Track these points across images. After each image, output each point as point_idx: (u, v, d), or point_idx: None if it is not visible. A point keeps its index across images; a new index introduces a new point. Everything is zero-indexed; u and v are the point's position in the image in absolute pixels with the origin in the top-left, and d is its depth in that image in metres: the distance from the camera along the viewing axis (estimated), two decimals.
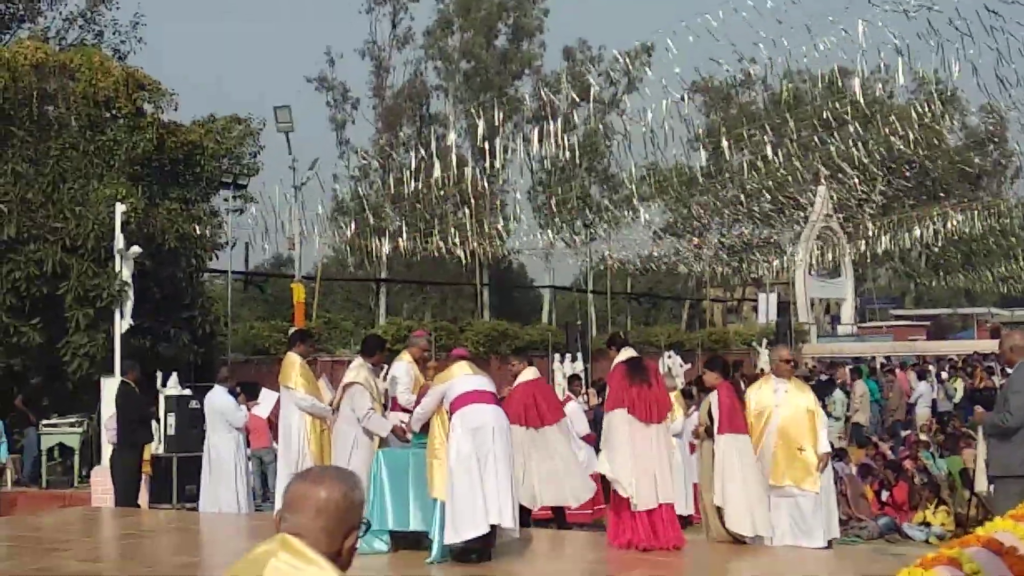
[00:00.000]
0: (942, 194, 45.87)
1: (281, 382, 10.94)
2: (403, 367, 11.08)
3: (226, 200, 23.90)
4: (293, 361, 10.86)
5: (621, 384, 9.58)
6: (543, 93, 34.77)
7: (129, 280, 17.04)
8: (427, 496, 9.14)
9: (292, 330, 15.18)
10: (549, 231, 43.06)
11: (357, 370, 10.20)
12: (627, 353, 10.06)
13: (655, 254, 44.03)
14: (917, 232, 40.12)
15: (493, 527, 8.72)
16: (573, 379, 17.61)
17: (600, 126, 32.17)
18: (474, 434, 8.82)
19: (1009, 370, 9.23)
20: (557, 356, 26.93)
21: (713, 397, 10.07)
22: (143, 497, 14.06)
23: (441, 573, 8.84)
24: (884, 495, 13.83)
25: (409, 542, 9.47)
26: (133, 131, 20.29)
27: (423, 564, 9.02)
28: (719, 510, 9.76)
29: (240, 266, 31.80)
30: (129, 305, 16.86)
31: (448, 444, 8.92)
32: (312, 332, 15.04)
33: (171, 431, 14.52)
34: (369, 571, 8.78)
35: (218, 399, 13.07)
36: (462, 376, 9.11)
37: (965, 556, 3.49)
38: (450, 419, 9.01)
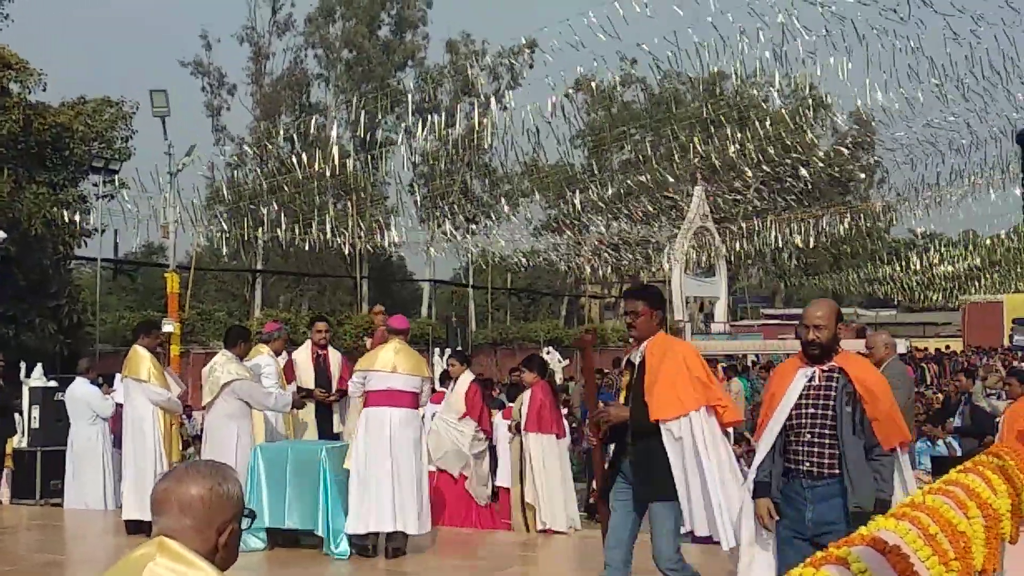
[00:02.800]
0: (813, 198, 47.34)
1: (129, 375, 10.38)
2: (265, 360, 10.75)
3: (96, 185, 23.12)
4: (143, 354, 10.37)
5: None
6: (425, 86, 34.50)
7: None
8: (305, 493, 8.99)
9: (140, 320, 14.60)
10: (430, 224, 42.92)
11: (229, 363, 9.83)
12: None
13: (535, 249, 44.30)
14: (788, 234, 41.26)
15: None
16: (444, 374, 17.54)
17: (483, 120, 32.15)
18: (374, 439, 8.83)
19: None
20: (437, 350, 26.84)
21: (526, 395, 10.50)
22: (4, 492, 13.47)
23: (324, 567, 8.69)
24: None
25: (286, 539, 9.28)
26: None
27: (299, 561, 8.85)
28: (529, 504, 10.42)
29: (110, 254, 30.85)
30: None
31: (354, 439, 9.01)
32: (158, 323, 14.51)
33: (35, 424, 13.93)
34: (245, 570, 8.57)
35: (82, 389, 12.60)
36: (383, 372, 8.95)
37: (852, 555, 3.55)
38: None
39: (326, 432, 10.91)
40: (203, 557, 2.46)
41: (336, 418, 11.18)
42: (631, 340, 6.24)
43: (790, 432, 5.41)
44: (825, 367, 5.42)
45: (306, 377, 10.93)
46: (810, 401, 5.39)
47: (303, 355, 11.09)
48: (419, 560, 9.06)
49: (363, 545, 8.91)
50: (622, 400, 6.16)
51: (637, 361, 6.09)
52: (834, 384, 5.37)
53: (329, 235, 32.68)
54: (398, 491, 8.80)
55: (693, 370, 5.98)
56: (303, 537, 9.20)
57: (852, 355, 5.56)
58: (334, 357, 11.28)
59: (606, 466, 6.30)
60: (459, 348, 14.02)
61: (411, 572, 8.80)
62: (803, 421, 5.37)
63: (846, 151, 43.07)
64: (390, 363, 9.03)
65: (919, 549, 4.14)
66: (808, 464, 5.35)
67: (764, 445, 5.46)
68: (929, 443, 12.91)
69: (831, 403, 5.34)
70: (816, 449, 5.34)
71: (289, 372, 10.84)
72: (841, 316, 5.51)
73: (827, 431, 5.32)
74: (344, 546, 8.95)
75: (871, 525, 4.26)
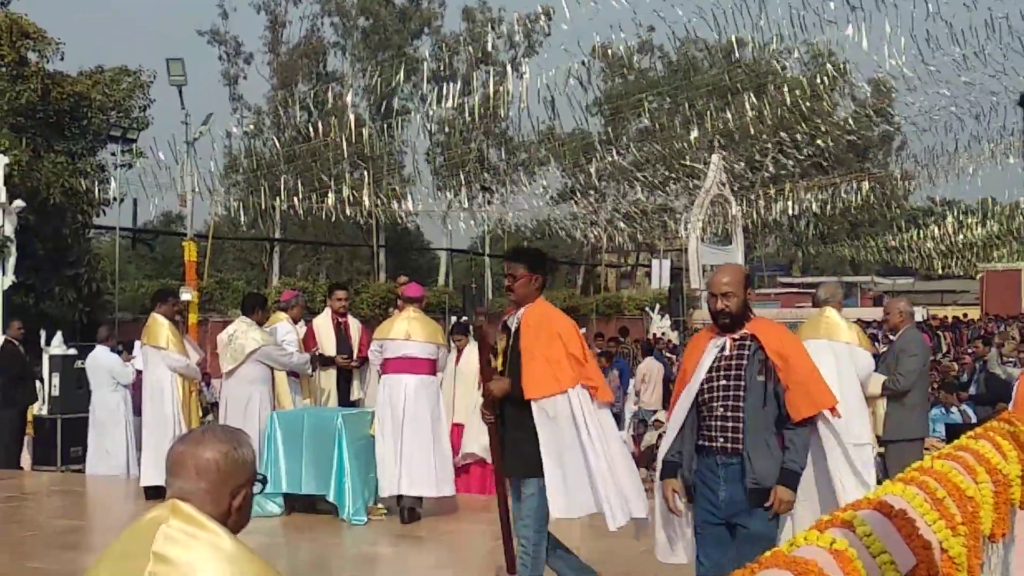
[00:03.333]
0: (830, 165, 47.09)
1: (148, 343, 10.46)
2: (285, 327, 10.88)
3: (114, 155, 23.22)
4: (161, 321, 10.44)
5: None
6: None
7: (11, 235, 16.45)
8: (321, 459, 9.09)
9: (156, 289, 14.70)
10: (447, 193, 42.91)
11: (251, 330, 9.93)
12: None
13: (551, 218, 44.26)
14: (806, 202, 41.10)
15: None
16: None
17: (499, 89, 32.10)
18: (391, 405, 9.06)
19: (892, 336, 9.45)
20: (453, 318, 26.94)
21: None
22: (25, 459, 13.65)
23: (339, 532, 8.80)
24: None
25: (303, 504, 9.40)
26: (16, 80, 19.57)
27: (315, 527, 8.97)
28: None
29: (129, 223, 30.96)
30: (11, 261, 16.29)
31: (377, 406, 9.26)
32: (175, 291, 14.61)
33: (55, 391, 14.10)
34: (262, 534, 8.69)
35: (103, 357, 12.74)
36: (395, 340, 9.13)
37: (858, 519, 3.59)
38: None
39: (345, 399, 10.99)
40: (216, 520, 2.48)
41: (356, 384, 11.26)
42: (510, 303, 5.97)
43: (702, 407, 5.04)
44: (737, 336, 5.03)
45: (327, 344, 10.98)
46: (721, 373, 5.01)
47: (323, 322, 11.11)
48: (432, 524, 9.17)
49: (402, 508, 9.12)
50: (499, 366, 5.89)
51: (513, 328, 5.85)
52: (746, 353, 4.99)
53: (346, 204, 32.72)
54: (409, 456, 8.98)
55: (569, 346, 5.72)
56: (319, 502, 9.31)
57: (765, 321, 5.18)
58: (354, 324, 11.34)
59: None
60: (462, 320, 14.08)
61: (425, 536, 8.91)
62: (715, 394, 5.00)
63: (866, 116, 42.66)
64: (404, 331, 9.17)
65: (926, 513, 4.17)
66: (722, 440, 4.97)
67: (674, 422, 5.13)
68: (944, 410, 12.91)
69: (743, 373, 4.96)
70: (730, 424, 4.95)
71: (310, 339, 10.90)
72: (750, 282, 5.13)
73: (740, 403, 4.95)
74: (361, 512, 9.05)
75: (877, 490, 4.30)
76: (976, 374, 18.42)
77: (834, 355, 8.30)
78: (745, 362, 4.97)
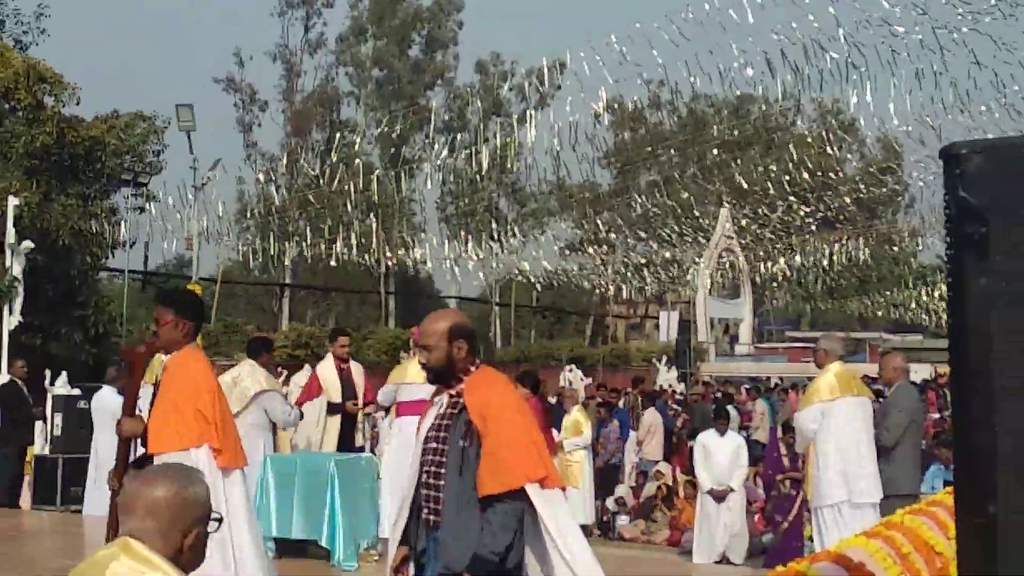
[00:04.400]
0: (840, 221, 47.21)
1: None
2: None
3: (126, 198, 23.51)
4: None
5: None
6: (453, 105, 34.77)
7: (20, 276, 16.64)
8: (313, 504, 9.14)
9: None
10: (456, 242, 43.12)
11: (255, 373, 9.95)
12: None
13: (560, 269, 44.41)
14: (814, 257, 41.15)
15: None
16: None
17: (509, 140, 32.41)
18: (405, 448, 9.01)
19: (886, 391, 9.51)
20: None
21: None
22: (25, 498, 13.69)
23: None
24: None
25: (294, 550, 9.42)
26: (32, 124, 19.89)
27: (305, 572, 8.99)
28: None
29: (140, 266, 31.23)
30: (19, 301, 16.47)
31: (387, 448, 9.51)
32: None
33: (57, 431, 14.16)
34: None
35: (108, 398, 12.79)
36: (411, 384, 9.32)
37: (813, 571, 3.63)
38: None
39: (350, 446, 11.00)
40: (167, 559, 2.50)
41: (360, 432, 11.32)
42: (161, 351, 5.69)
43: (421, 472, 4.42)
44: (453, 392, 4.41)
45: (332, 390, 10.99)
46: (432, 434, 4.40)
47: (327, 368, 11.11)
48: None
49: None
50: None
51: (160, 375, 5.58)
52: (455, 412, 4.35)
53: (355, 251, 32.92)
54: None
55: (198, 402, 5.36)
56: (310, 547, 9.33)
57: (483, 375, 4.44)
58: (356, 369, 11.39)
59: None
60: None
61: None
62: (425, 458, 4.39)
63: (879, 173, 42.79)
64: (420, 375, 9.25)
65: (888, 568, 4.22)
66: (427, 511, 4.33)
67: (408, 486, 4.57)
68: (943, 468, 12.88)
69: (448, 436, 4.32)
70: (432, 494, 4.31)
71: (315, 386, 10.91)
72: (463, 333, 4.41)
73: (441, 471, 4.31)
74: (352, 558, 9.07)
75: (840, 543, 4.35)
76: None
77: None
78: (450, 423, 4.35)
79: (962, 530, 2.26)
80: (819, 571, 3.68)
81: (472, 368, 4.42)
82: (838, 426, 8.38)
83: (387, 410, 10.77)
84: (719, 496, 10.96)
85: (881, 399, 9.87)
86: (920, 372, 29.62)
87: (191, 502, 2.59)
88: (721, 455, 11.12)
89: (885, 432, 8.56)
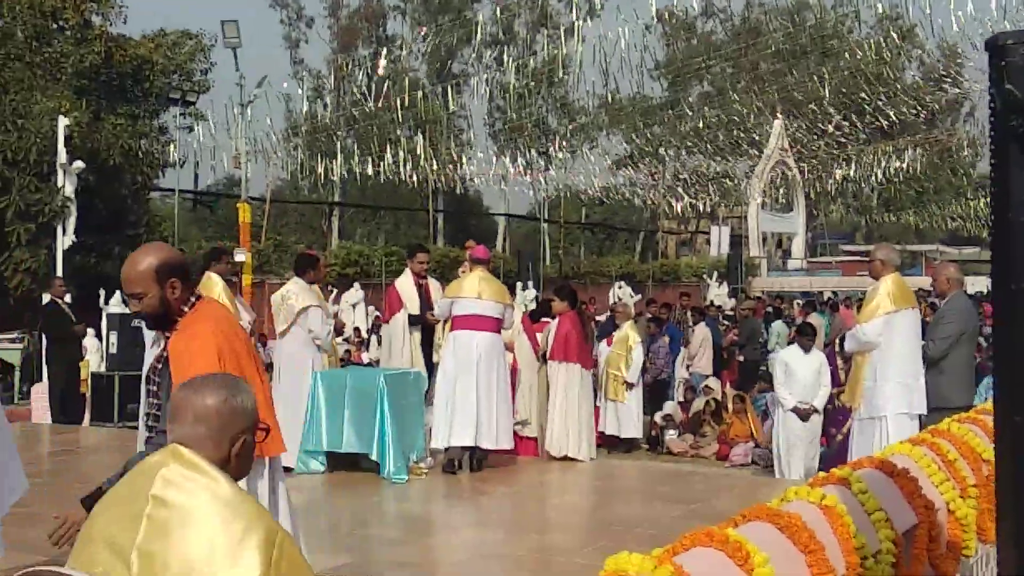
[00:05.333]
0: (898, 132, 46.21)
1: None
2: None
3: (175, 117, 23.57)
4: (215, 279, 10.44)
5: None
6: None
7: (72, 196, 16.82)
8: (363, 419, 9.25)
9: (209, 248, 14.76)
10: (505, 158, 42.89)
11: (303, 291, 10.02)
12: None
13: (610, 184, 44.07)
14: (871, 169, 40.41)
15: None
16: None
17: (557, 52, 31.96)
18: (458, 359, 9.57)
19: (939, 302, 9.37)
20: (509, 284, 27.03)
21: (554, 324, 10.63)
22: (85, 417, 14.00)
23: (380, 490, 8.95)
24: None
25: (346, 463, 9.55)
26: (80, 43, 19.90)
27: (356, 484, 9.13)
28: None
29: (191, 185, 31.44)
30: (72, 221, 16.66)
31: (442, 360, 9.81)
32: (228, 249, 14.70)
33: (113, 349, 14.44)
34: (305, 490, 8.87)
35: None
36: (466, 299, 9.68)
37: (854, 476, 3.60)
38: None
39: (428, 360, 11.08)
40: (215, 465, 2.50)
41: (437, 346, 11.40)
42: None
43: (148, 417, 4.06)
44: (169, 334, 3.95)
45: (411, 304, 11.02)
46: (150, 377, 4.02)
47: (406, 283, 11.10)
48: (473, 484, 9.31)
49: (450, 460, 9.53)
50: None
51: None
52: (166, 359, 3.94)
53: (404, 168, 32.86)
54: (483, 409, 9.51)
55: None
56: (362, 460, 9.46)
57: (192, 316, 3.90)
58: (434, 285, 11.44)
59: None
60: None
61: (466, 495, 9.04)
62: (148, 401, 4.05)
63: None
64: (475, 290, 9.72)
65: (932, 474, 4.17)
66: None
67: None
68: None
69: (161, 383, 3.94)
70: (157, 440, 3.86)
71: (395, 300, 10.92)
72: (174, 270, 3.89)
73: (158, 413, 3.95)
74: (403, 471, 9.18)
75: (885, 450, 4.30)
76: None
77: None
78: (162, 367, 3.94)
79: (1001, 428, 2.20)
80: (860, 476, 3.64)
81: (186, 308, 3.90)
82: (898, 338, 8.29)
83: (444, 323, 10.84)
84: (804, 415, 10.80)
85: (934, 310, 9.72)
86: (977, 285, 29.16)
87: (239, 410, 2.62)
88: (804, 373, 10.93)
89: (931, 343, 8.46)
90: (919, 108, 43.07)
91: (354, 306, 25.47)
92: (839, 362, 12.17)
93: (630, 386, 13.56)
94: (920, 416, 8.33)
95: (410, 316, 10.87)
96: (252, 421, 2.66)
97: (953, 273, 9.09)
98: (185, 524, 2.39)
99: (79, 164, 16.64)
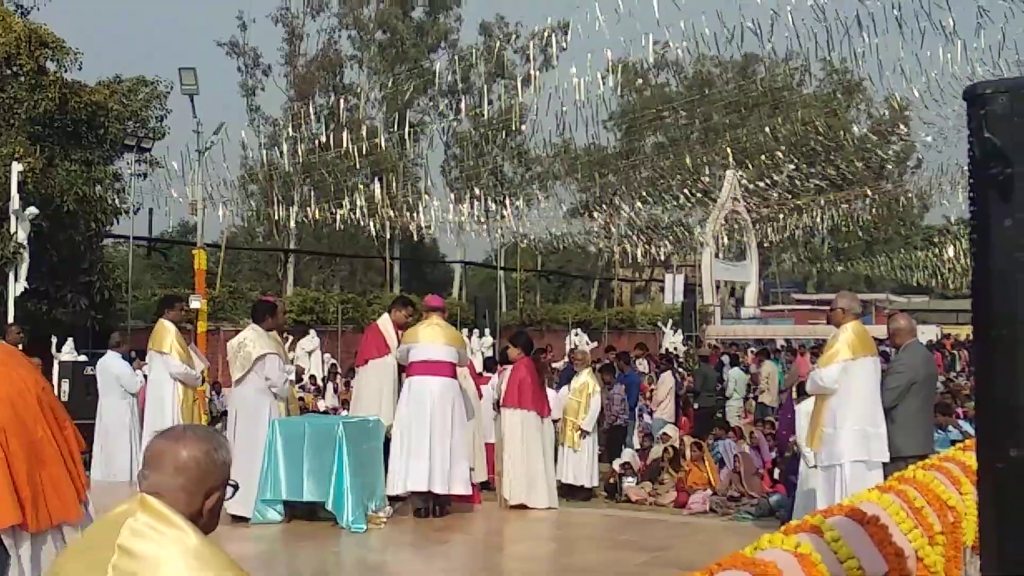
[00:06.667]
0: (847, 183, 46.95)
1: (153, 348, 10.63)
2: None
3: (130, 164, 23.40)
4: (167, 327, 10.55)
5: None
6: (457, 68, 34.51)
7: (24, 242, 16.60)
8: (322, 467, 9.15)
9: (162, 295, 14.61)
10: (462, 205, 43.02)
11: (260, 338, 9.93)
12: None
13: (566, 232, 44.30)
14: (820, 219, 40.99)
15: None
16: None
17: (513, 102, 32.23)
18: (414, 405, 9.69)
19: (894, 352, 9.45)
20: (465, 331, 26.99)
21: (508, 371, 10.67)
22: None
23: (339, 540, 8.84)
24: (776, 473, 14.11)
25: (303, 512, 9.43)
26: (34, 89, 19.75)
27: (315, 534, 9.01)
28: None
29: (145, 232, 31.16)
30: (24, 267, 16.42)
31: (398, 406, 9.89)
32: (183, 297, 14.56)
33: (64, 397, 14.18)
34: (263, 541, 8.74)
35: (113, 364, 12.80)
36: (422, 344, 9.84)
37: (826, 524, 3.61)
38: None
39: None
40: (186, 518, 2.47)
41: None
42: None
43: None
44: None
45: (393, 351, 10.87)
46: None
47: (390, 328, 10.81)
48: (430, 533, 9.22)
49: (416, 509, 9.64)
50: None
51: None
52: None
53: (359, 215, 32.81)
54: (436, 453, 9.58)
55: None
56: (320, 510, 9.34)
57: None
58: None
59: None
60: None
61: (423, 544, 8.95)
62: None
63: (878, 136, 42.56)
64: (430, 336, 9.88)
65: (901, 522, 4.18)
66: None
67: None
68: (941, 431, 12.80)
69: None
70: None
71: (379, 342, 10.66)
72: None
73: None
74: (361, 520, 9.08)
75: (853, 497, 4.32)
76: None
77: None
78: None
79: (983, 475, 2.22)
80: (832, 524, 3.64)
81: None
82: (858, 385, 8.35)
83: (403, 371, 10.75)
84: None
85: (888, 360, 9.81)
86: (927, 333, 29.61)
87: (219, 464, 2.60)
88: None
89: (883, 393, 8.52)
90: (867, 160, 43.90)
91: (310, 353, 25.34)
92: (797, 408, 12.20)
93: (584, 434, 13.53)
94: (884, 464, 8.37)
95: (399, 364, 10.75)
96: (226, 476, 2.63)
97: (903, 324, 9.16)
98: (152, 575, 2.36)
99: (32, 210, 16.45)
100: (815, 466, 10.23)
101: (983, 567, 2.22)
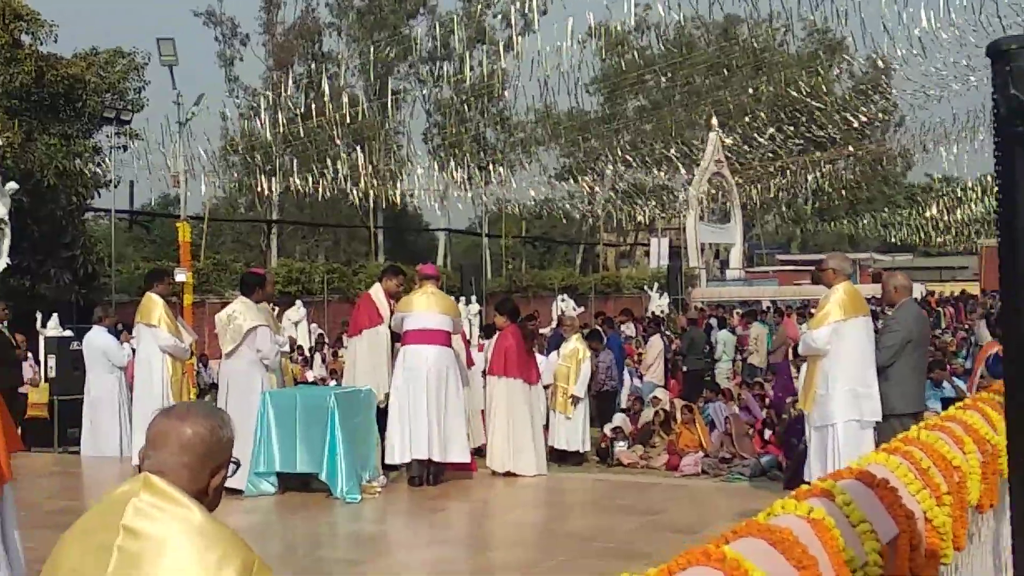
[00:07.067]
0: (829, 143, 46.93)
1: (141, 321, 10.55)
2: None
3: (109, 136, 23.16)
4: (155, 300, 10.50)
5: None
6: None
7: (6, 217, 16.40)
8: (314, 438, 9.10)
9: (150, 269, 14.49)
10: (444, 173, 42.83)
11: (249, 310, 9.87)
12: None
13: (549, 198, 44.18)
14: (803, 179, 41.00)
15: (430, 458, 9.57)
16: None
17: (495, 68, 31.99)
18: (409, 373, 9.65)
19: (889, 310, 9.44)
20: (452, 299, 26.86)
21: (495, 339, 10.64)
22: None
23: (333, 510, 8.81)
24: (767, 434, 14.16)
25: (297, 483, 9.38)
26: (10, 63, 19.51)
27: (308, 505, 8.97)
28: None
29: (126, 205, 30.93)
30: (6, 243, 16.25)
31: (394, 375, 9.81)
32: (170, 271, 14.46)
33: (52, 373, 14.09)
34: (256, 512, 8.70)
35: (99, 338, 12.68)
36: (416, 312, 9.81)
37: (837, 488, 3.56)
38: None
39: None
40: (191, 496, 2.43)
41: None
42: None
43: None
44: None
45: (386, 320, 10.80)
46: None
47: (383, 297, 10.68)
48: (426, 502, 9.19)
49: (411, 477, 9.58)
50: None
51: None
52: None
53: (343, 184, 32.61)
54: (433, 421, 9.54)
55: None
56: (313, 481, 9.30)
57: None
58: None
59: None
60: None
61: (418, 513, 8.92)
62: None
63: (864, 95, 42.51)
64: (424, 304, 9.85)
65: (910, 483, 4.14)
66: None
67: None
68: (935, 386, 12.86)
69: None
70: None
71: (372, 311, 10.56)
72: None
73: None
74: (355, 490, 9.03)
75: (860, 459, 4.29)
76: (969, 348, 18.43)
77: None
78: None
79: (1012, 418, 2.19)
80: (843, 487, 3.60)
81: None
82: (849, 346, 8.35)
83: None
84: None
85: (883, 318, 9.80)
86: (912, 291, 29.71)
87: (224, 442, 2.56)
88: None
89: (878, 352, 8.51)
90: (850, 120, 43.84)
91: (296, 324, 25.24)
92: (793, 371, 12.25)
93: (576, 400, 13.53)
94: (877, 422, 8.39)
95: (392, 332, 10.65)
96: (230, 454, 2.59)
97: (900, 281, 9.14)
98: (158, 555, 2.32)
99: (12, 185, 16.25)
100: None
101: (1015, 509, 2.19)
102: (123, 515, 2.36)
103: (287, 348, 10.53)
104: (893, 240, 51.35)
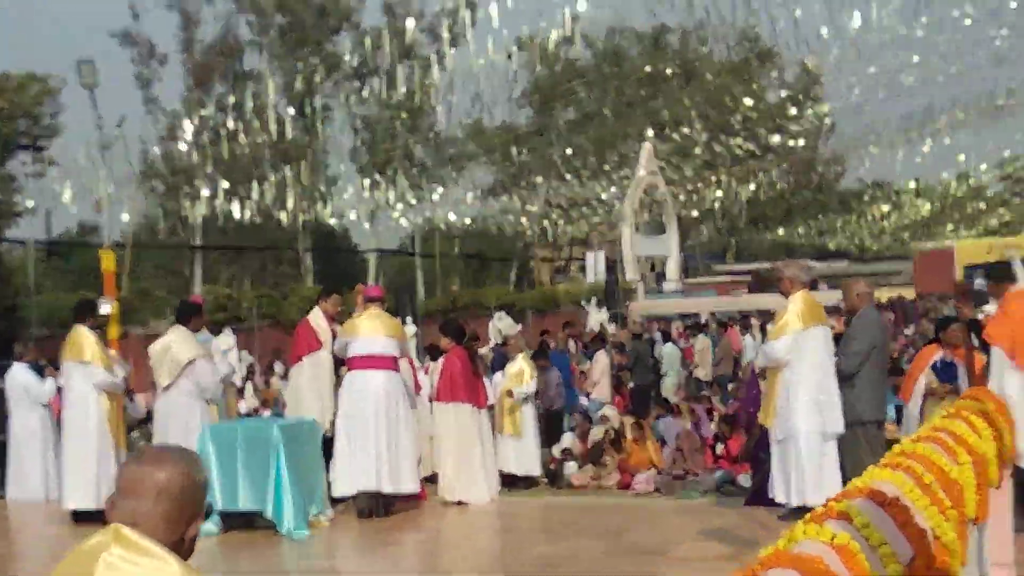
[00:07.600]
0: (762, 150, 47.29)
1: (72, 358, 9.91)
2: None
3: (24, 164, 22.41)
4: (85, 334, 9.88)
5: None
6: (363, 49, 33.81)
7: None
8: (258, 474, 8.64)
9: (76, 302, 13.85)
10: (373, 193, 42.29)
11: (187, 341, 9.50)
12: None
13: (482, 214, 43.89)
14: (737, 188, 41.24)
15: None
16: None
17: (422, 83, 31.63)
18: (356, 400, 9.34)
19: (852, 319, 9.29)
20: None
21: (439, 362, 10.32)
22: None
23: (280, 547, 8.35)
24: (719, 448, 13.92)
25: (240, 522, 8.93)
26: None
27: (254, 543, 8.52)
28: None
29: (42, 234, 29.98)
30: None
31: (340, 402, 9.50)
32: (96, 303, 13.84)
33: None
34: (199, 555, 8.17)
35: (20, 375, 12.04)
36: (363, 336, 9.45)
37: (854, 509, 3.30)
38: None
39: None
40: (165, 547, 2.26)
41: None
42: None
43: None
44: None
45: (327, 345, 10.30)
46: None
47: (322, 322, 10.40)
48: (375, 535, 8.83)
49: (361, 508, 9.19)
50: None
51: None
52: None
53: (270, 205, 32.00)
54: (382, 450, 9.18)
55: None
56: (258, 518, 8.84)
57: None
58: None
59: None
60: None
61: (368, 547, 8.56)
62: None
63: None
64: (370, 328, 9.50)
65: (917, 500, 3.92)
66: None
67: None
68: (895, 394, 12.71)
69: None
70: None
71: (310, 338, 10.22)
72: None
73: None
74: (302, 526, 8.60)
75: (864, 475, 4.01)
76: (915, 353, 18.38)
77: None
78: None
79: None
80: (859, 508, 3.33)
81: None
82: (808, 356, 8.24)
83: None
84: None
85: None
86: None
87: (200, 487, 2.41)
88: None
89: (845, 359, 8.41)
90: (782, 127, 44.27)
91: (226, 352, 24.48)
92: (762, 385, 12.00)
93: (516, 406, 12.92)
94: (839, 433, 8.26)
95: (336, 359, 10.23)
96: (204, 499, 2.43)
97: (863, 288, 9.09)
98: None
99: None
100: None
101: None
102: (93, 572, 2.22)
103: (236, 379, 10.08)
104: (828, 247, 51.89)
